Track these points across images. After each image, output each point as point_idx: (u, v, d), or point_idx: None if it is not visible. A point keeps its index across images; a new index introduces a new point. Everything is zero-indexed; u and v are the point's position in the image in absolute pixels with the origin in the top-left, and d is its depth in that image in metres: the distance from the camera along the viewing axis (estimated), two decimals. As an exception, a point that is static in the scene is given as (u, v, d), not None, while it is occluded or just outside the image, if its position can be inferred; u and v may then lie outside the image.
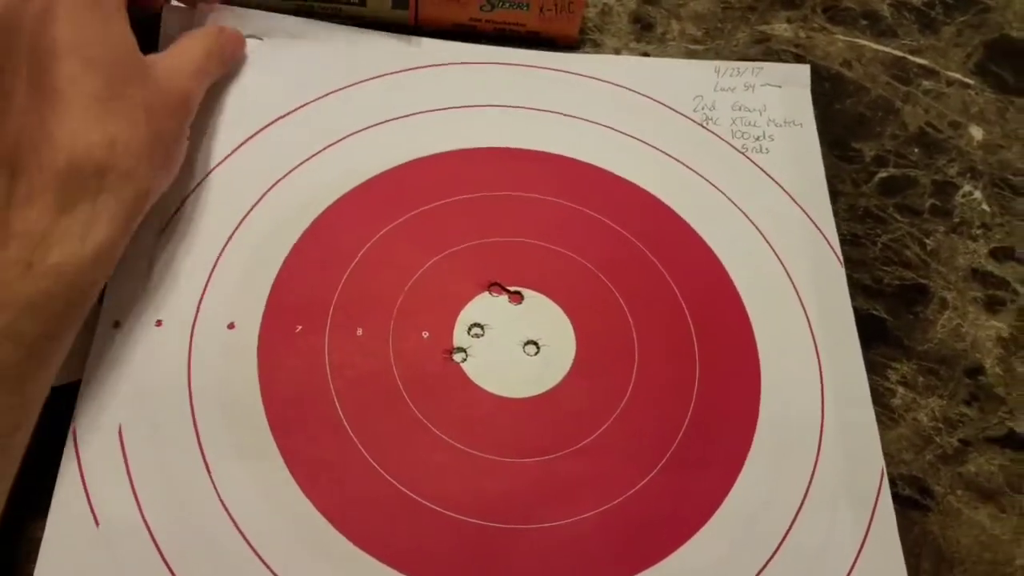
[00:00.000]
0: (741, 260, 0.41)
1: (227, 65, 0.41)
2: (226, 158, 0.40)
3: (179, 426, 0.34)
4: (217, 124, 0.41)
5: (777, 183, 0.44)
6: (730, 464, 0.36)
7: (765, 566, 0.34)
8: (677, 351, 0.38)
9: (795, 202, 0.43)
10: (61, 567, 0.31)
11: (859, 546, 0.35)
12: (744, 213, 0.42)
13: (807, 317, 0.40)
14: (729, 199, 0.43)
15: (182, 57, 0.37)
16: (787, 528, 0.35)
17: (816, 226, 0.42)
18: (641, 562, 0.33)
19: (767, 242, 0.42)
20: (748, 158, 0.44)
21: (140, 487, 0.32)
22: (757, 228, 0.42)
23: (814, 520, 0.35)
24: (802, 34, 0.50)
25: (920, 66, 0.50)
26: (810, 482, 0.36)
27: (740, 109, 0.46)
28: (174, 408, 0.34)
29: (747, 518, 0.35)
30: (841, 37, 0.50)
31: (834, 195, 0.44)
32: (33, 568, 0.31)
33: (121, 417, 0.33)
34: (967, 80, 0.50)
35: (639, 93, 0.46)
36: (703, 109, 0.46)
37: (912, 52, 0.51)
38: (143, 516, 0.32)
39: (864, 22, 0.51)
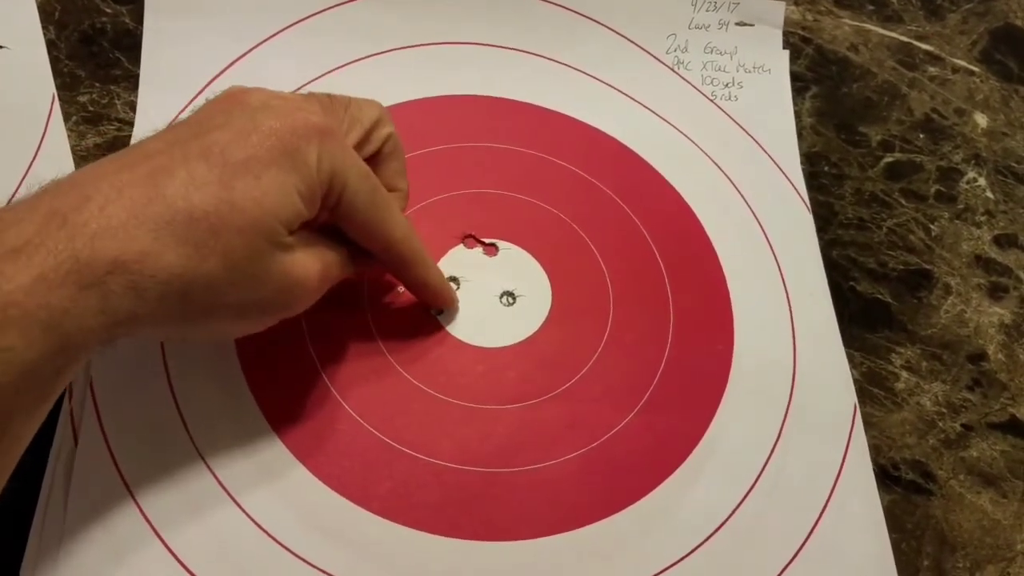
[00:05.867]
0: (711, 208, 0.41)
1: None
2: (182, 111, 0.39)
3: (152, 379, 0.32)
4: (166, 78, 0.40)
5: (746, 131, 0.44)
6: (706, 404, 0.36)
7: (743, 500, 0.34)
8: (651, 297, 0.38)
9: (763, 150, 0.44)
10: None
11: (834, 479, 0.35)
12: (714, 161, 0.43)
13: (777, 262, 0.40)
14: (699, 147, 0.43)
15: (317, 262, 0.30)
16: (763, 464, 0.35)
17: (784, 173, 0.43)
18: (621, 502, 0.33)
19: (737, 190, 0.42)
20: (717, 106, 0.45)
21: (107, 422, 0.31)
22: (727, 176, 0.42)
23: (789, 456, 0.35)
24: (809, 17, 0.50)
25: (926, 52, 0.50)
26: (784, 420, 0.36)
27: (712, 52, 0.46)
28: (145, 360, 0.33)
29: (724, 456, 0.35)
30: (848, 21, 0.50)
31: (841, 178, 0.44)
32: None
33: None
34: (972, 67, 0.50)
35: (615, 31, 0.45)
36: (675, 51, 0.46)
37: (918, 38, 0.50)
38: (112, 454, 0.31)
39: (871, 7, 0.51)
